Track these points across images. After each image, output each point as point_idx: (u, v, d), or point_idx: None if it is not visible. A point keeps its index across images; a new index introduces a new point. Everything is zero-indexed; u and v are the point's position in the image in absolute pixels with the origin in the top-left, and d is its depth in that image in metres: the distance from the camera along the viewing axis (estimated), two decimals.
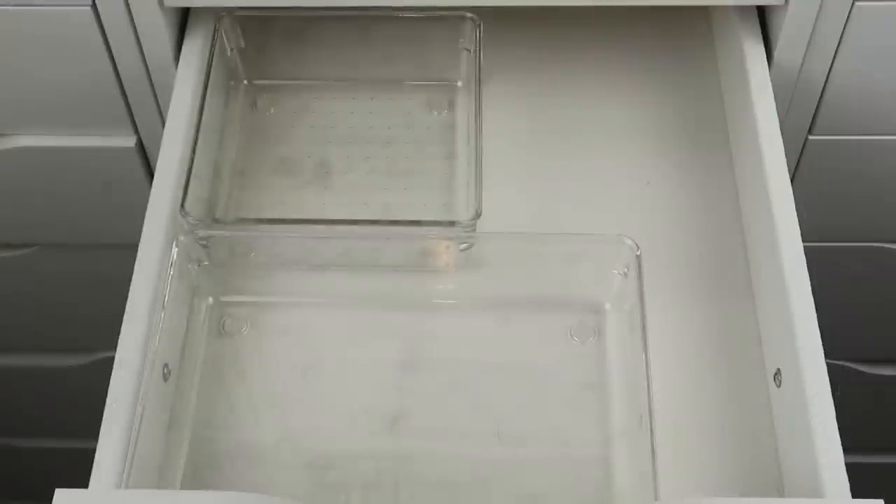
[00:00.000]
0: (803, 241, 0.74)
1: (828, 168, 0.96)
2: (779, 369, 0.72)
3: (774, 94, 0.82)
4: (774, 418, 0.73)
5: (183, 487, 0.71)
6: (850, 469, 0.64)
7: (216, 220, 0.80)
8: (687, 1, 0.89)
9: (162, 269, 0.73)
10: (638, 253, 0.74)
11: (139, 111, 0.92)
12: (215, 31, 0.86)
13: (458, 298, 0.79)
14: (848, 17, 0.82)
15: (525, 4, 0.85)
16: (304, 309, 0.79)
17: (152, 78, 0.88)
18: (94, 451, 0.66)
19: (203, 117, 0.80)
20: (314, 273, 0.79)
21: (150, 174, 0.97)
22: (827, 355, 0.69)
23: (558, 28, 0.94)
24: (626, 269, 0.75)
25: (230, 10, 0.86)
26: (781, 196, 0.76)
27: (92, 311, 1.12)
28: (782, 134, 0.80)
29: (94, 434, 0.67)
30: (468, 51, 0.87)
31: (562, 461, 0.72)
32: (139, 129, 0.94)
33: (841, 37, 0.83)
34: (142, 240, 0.75)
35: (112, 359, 0.70)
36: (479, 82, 0.83)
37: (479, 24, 0.86)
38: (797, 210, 0.75)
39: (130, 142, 0.95)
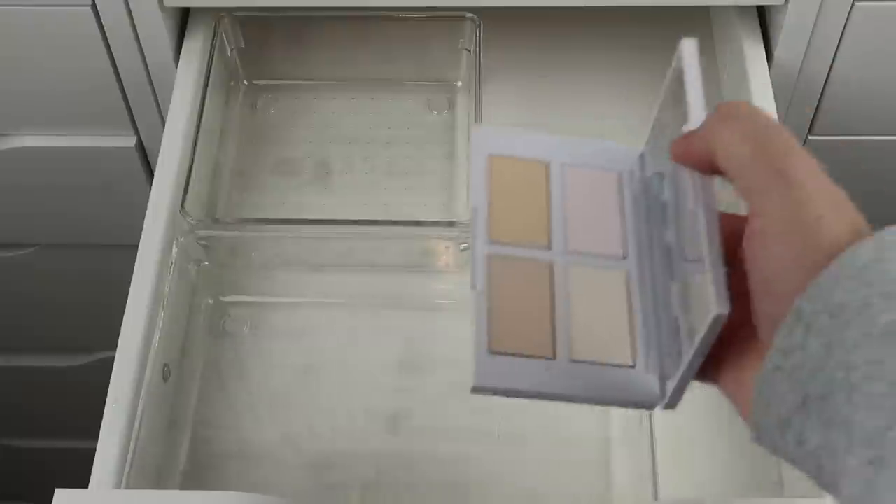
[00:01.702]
0: None
1: (828, 168, 0.96)
2: None
3: (774, 94, 0.82)
4: None
5: (183, 487, 0.71)
6: None
7: (216, 220, 0.80)
8: (687, 1, 0.89)
9: (162, 269, 0.73)
10: None
11: (139, 111, 0.92)
12: (215, 31, 0.86)
13: (458, 298, 0.78)
14: (848, 17, 0.82)
15: (525, 4, 0.85)
16: (304, 309, 0.79)
17: (152, 78, 0.88)
18: (94, 451, 0.66)
19: (203, 117, 0.80)
20: (314, 273, 0.79)
21: (150, 174, 0.97)
22: None
23: (558, 28, 0.94)
24: None
25: (230, 11, 0.86)
26: None
27: (92, 311, 1.12)
28: None
29: (94, 434, 0.67)
30: (468, 51, 0.87)
31: (562, 461, 0.72)
32: (139, 129, 0.94)
33: (841, 37, 0.83)
34: (142, 240, 0.75)
35: (112, 359, 0.70)
36: (479, 82, 0.83)
37: (479, 24, 0.86)
38: None
39: (130, 142, 0.95)
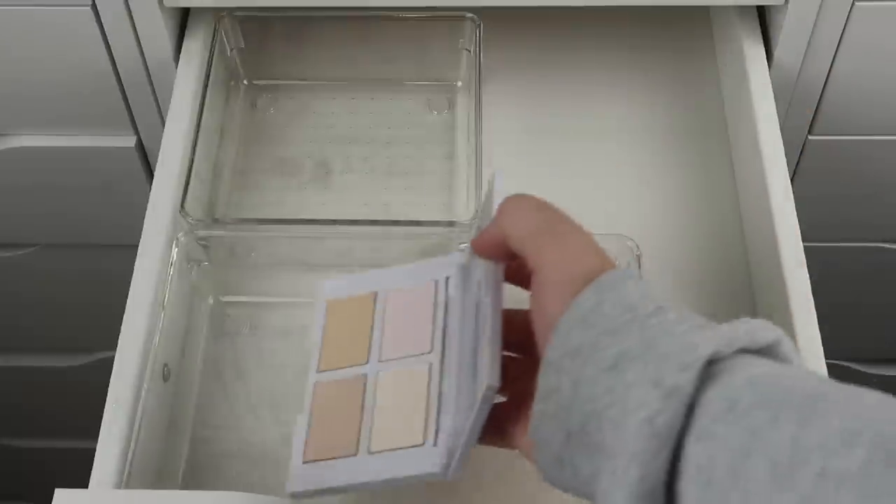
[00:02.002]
0: (803, 241, 0.74)
1: (828, 168, 0.96)
2: None
3: (774, 94, 0.82)
4: None
5: (183, 487, 0.71)
6: None
7: (216, 220, 0.80)
8: (687, 1, 0.89)
9: (162, 269, 0.73)
10: (638, 253, 0.74)
11: (139, 111, 0.92)
12: (215, 31, 0.86)
13: None
14: (848, 17, 0.82)
15: (525, 4, 0.85)
16: (304, 309, 0.79)
17: (152, 78, 0.88)
18: (94, 451, 0.66)
19: (203, 117, 0.80)
20: (314, 273, 0.79)
21: (150, 174, 0.97)
22: (827, 355, 0.69)
23: (558, 28, 0.94)
24: None
25: (230, 10, 0.86)
26: (781, 196, 0.76)
27: (92, 311, 1.12)
28: (782, 134, 0.80)
29: (94, 434, 0.67)
30: (468, 51, 0.87)
31: None
32: (139, 129, 0.94)
33: (841, 37, 0.83)
34: (142, 240, 0.75)
35: (112, 359, 0.70)
36: (479, 82, 0.83)
37: (479, 24, 0.86)
38: (797, 210, 0.75)
39: (130, 142, 0.95)
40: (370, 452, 0.63)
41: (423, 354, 0.66)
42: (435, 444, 0.62)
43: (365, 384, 0.66)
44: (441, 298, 0.68)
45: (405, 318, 0.69)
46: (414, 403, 0.64)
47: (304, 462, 0.64)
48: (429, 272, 0.70)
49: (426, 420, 0.63)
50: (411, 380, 0.65)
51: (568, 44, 0.94)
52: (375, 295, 0.70)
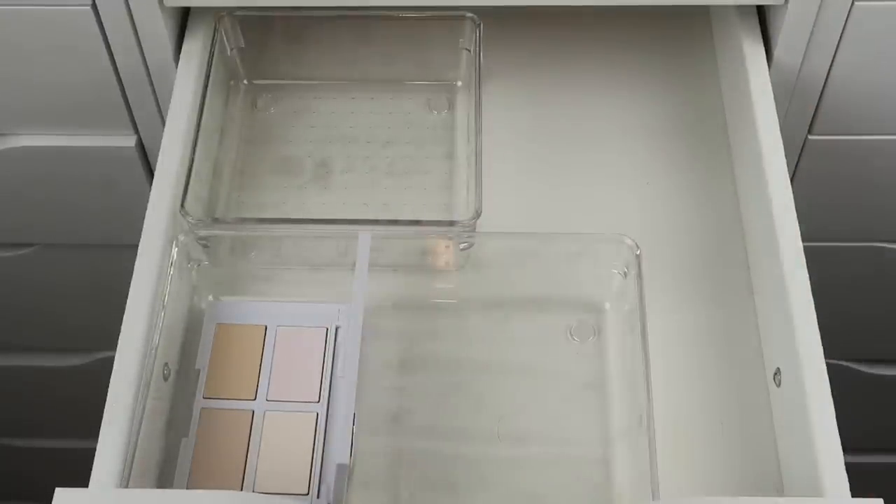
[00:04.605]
0: (803, 241, 0.74)
1: (828, 168, 0.96)
2: (778, 369, 0.72)
3: (774, 94, 0.82)
4: (774, 418, 0.73)
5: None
6: (850, 469, 0.64)
7: (216, 220, 0.80)
8: (687, 1, 0.89)
9: (162, 269, 0.73)
10: (638, 253, 0.75)
11: (139, 111, 0.92)
12: (215, 31, 0.86)
13: (458, 298, 0.79)
14: (848, 16, 0.82)
15: (525, 4, 0.85)
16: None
17: (152, 78, 0.88)
18: (94, 451, 0.66)
19: (203, 117, 0.80)
20: (314, 273, 0.79)
21: (150, 174, 0.97)
22: (827, 355, 0.69)
23: (558, 28, 0.94)
24: (626, 269, 0.76)
25: (230, 10, 0.86)
26: (781, 196, 0.76)
27: (92, 311, 1.12)
28: (782, 134, 0.80)
29: (94, 434, 0.67)
30: (468, 51, 0.87)
31: (562, 461, 0.72)
32: (139, 129, 0.94)
33: (841, 37, 0.83)
34: (142, 240, 0.75)
35: (112, 359, 0.70)
36: (479, 82, 0.83)
37: (479, 24, 0.86)
38: (797, 210, 0.75)
39: (130, 142, 0.95)
40: (254, 491, 0.67)
41: (310, 403, 0.71)
42: (318, 496, 0.67)
43: (252, 421, 0.71)
44: (330, 348, 0.73)
45: (295, 360, 0.73)
46: (300, 452, 0.69)
47: (190, 489, 0.68)
48: (321, 315, 0.75)
49: (311, 471, 0.68)
50: (299, 428, 0.70)
51: (568, 44, 0.94)
52: (265, 329, 0.75)
